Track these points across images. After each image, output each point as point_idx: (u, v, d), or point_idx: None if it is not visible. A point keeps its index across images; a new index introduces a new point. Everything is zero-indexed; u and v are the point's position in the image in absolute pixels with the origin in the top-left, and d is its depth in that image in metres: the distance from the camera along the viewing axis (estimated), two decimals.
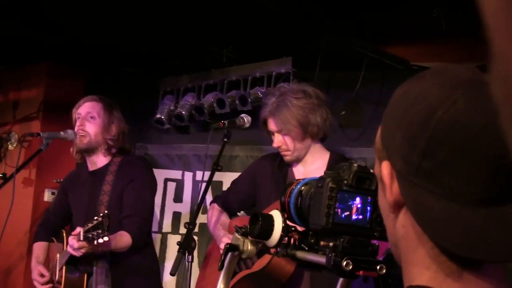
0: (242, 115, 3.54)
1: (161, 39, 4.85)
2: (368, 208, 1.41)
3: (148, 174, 3.96)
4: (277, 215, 1.51)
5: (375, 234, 1.42)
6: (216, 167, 3.37)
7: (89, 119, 3.89)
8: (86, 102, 3.96)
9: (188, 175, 5.23)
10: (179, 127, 5.36)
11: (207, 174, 3.55)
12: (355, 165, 1.39)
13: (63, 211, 4.11)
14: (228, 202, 3.70)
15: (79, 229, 3.38)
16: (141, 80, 5.52)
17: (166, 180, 5.25)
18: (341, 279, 1.66)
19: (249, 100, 4.77)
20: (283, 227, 1.50)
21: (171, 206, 5.21)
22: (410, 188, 0.99)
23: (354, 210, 1.38)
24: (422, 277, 1.01)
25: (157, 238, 5.06)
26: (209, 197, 4.34)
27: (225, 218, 3.62)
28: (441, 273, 0.99)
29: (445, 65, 1.05)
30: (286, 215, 1.53)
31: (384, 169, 1.04)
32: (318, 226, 1.38)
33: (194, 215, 3.30)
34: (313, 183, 1.47)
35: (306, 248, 1.48)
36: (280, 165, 3.51)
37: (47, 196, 5.34)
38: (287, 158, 3.42)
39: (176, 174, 5.27)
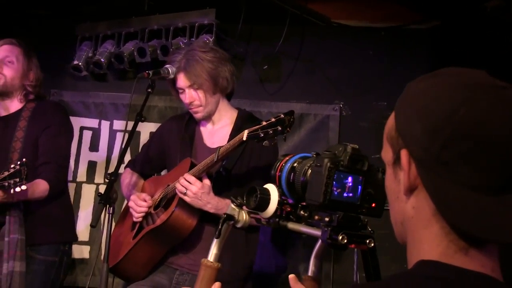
0: (167, 65, 3.48)
1: None
2: (359, 186, 1.54)
3: (64, 120, 3.87)
4: (273, 189, 1.61)
5: (364, 210, 1.57)
6: (140, 117, 3.32)
7: (6, 63, 3.77)
8: (4, 45, 3.82)
9: (105, 124, 5.13)
10: (96, 75, 5.23)
11: (126, 123, 3.49)
12: (350, 147, 1.53)
13: None
14: (140, 165, 3.68)
15: None
16: (56, 24, 5.32)
17: (82, 129, 5.13)
18: (317, 245, 1.79)
19: (171, 50, 4.70)
20: (278, 201, 1.60)
21: (86, 155, 5.11)
22: (428, 174, 1.13)
23: (346, 188, 1.51)
24: (433, 253, 1.15)
25: (71, 187, 4.96)
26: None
27: (136, 179, 3.62)
28: (451, 249, 1.14)
29: (459, 68, 1.20)
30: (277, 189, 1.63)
31: (403, 157, 1.18)
32: (315, 202, 1.50)
33: (116, 166, 3.25)
34: (307, 161, 1.61)
35: (294, 219, 1.61)
36: (187, 125, 3.50)
37: None
38: (198, 115, 3.41)
39: (92, 122, 5.15)
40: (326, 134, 4.71)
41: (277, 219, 1.62)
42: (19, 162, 3.23)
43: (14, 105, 3.83)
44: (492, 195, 1.10)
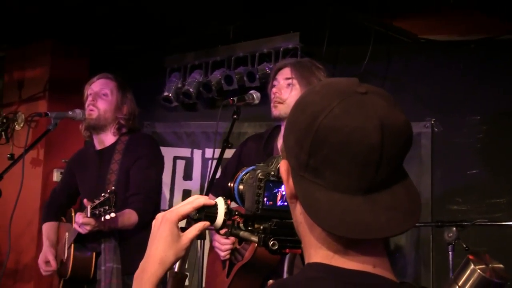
0: (251, 91, 3.50)
1: (166, 15, 4.80)
2: None
3: (154, 152, 3.94)
4: (220, 202, 1.65)
5: None
6: (226, 144, 3.34)
7: (101, 96, 3.88)
8: (100, 79, 3.94)
9: (197, 153, 5.23)
10: (186, 105, 5.34)
11: (217, 151, 3.51)
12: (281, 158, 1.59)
13: (70, 191, 4.11)
14: (222, 189, 3.65)
15: (89, 204, 3.39)
16: (146, 57, 5.48)
17: (175, 158, 5.25)
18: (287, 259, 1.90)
19: (257, 76, 4.75)
20: (225, 212, 1.63)
21: (180, 184, 5.21)
22: (301, 181, 1.20)
23: (279, 197, 1.59)
24: (317, 256, 1.22)
25: None
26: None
27: None
28: (331, 250, 1.20)
29: (332, 78, 1.28)
30: (229, 201, 1.67)
31: (282, 167, 1.28)
32: (250, 211, 1.60)
33: (205, 193, 3.28)
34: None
35: (250, 229, 1.67)
36: (266, 144, 3.47)
37: (56, 176, 5.33)
38: (275, 112, 3.36)
39: (185, 152, 5.26)
40: (419, 152, 4.59)
41: (229, 229, 1.69)
42: (108, 191, 3.32)
43: (109, 138, 3.93)
44: (360, 195, 1.15)
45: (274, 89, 3.36)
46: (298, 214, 1.27)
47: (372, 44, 4.58)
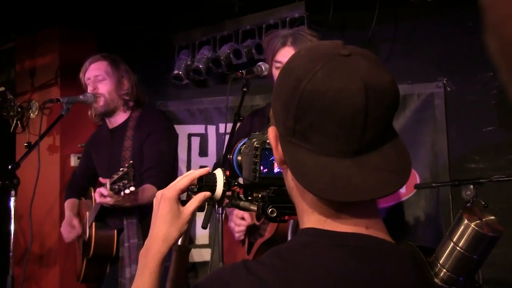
0: (260, 63, 3.50)
1: None
2: None
3: (163, 126, 3.99)
4: (219, 173, 1.66)
5: None
6: (238, 117, 3.34)
7: (99, 81, 3.90)
8: (91, 64, 3.97)
9: (211, 129, 5.24)
10: (197, 82, 5.34)
11: (229, 125, 3.51)
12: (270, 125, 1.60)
13: (89, 172, 4.18)
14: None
15: (106, 181, 3.43)
16: (154, 37, 5.48)
17: (190, 136, 5.26)
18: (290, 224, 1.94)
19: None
20: (224, 183, 1.65)
21: (197, 161, 5.23)
22: (289, 147, 1.21)
23: (275, 164, 1.59)
24: (310, 221, 1.25)
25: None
26: None
27: None
28: (322, 216, 1.22)
29: (317, 42, 1.31)
30: (228, 172, 1.68)
31: (270, 134, 1.29)
32: (248, 181, 1.61)
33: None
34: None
35: (250, 198, 1.68)
36: (269, 119, 3.44)
37: (73, 161, 5.36)
38: None
39: (199, 128, 5.27)
40: (432, 113, 4.57)
41: (230, 200, 1.70)
42: (126, 165, 3.34)
43: (120, 117, 3.98)
44: (348, 158, 1.15)
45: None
46: (290, 180, 1.29)
47: (379, 8, 4.55)
